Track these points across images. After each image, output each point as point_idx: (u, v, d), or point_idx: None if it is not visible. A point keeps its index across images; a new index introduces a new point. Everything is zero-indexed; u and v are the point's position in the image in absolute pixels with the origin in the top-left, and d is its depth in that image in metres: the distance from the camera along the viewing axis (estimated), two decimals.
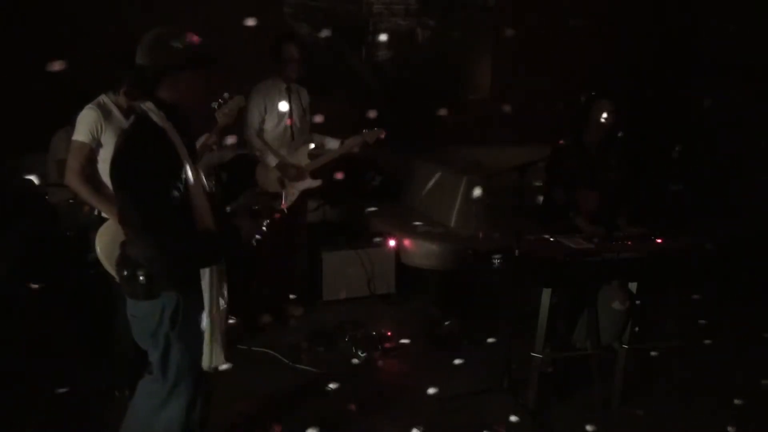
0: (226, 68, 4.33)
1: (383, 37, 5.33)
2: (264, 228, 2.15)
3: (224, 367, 2.14)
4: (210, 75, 2.00)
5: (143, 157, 1.88)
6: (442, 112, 5.23)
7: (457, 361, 3.61)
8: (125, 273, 2.03)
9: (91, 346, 3.36)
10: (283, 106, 3.84)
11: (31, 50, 4.21)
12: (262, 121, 3.86)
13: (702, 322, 4.00)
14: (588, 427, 3.00)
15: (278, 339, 3.87)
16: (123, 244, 2.10)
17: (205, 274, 2.04)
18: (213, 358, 2.11)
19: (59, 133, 4.00)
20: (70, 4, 4.33)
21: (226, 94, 3.67)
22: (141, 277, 1.99)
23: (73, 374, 3.22)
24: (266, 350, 3.71)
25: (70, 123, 4.04)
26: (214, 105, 3.63)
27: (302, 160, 3.96)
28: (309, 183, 3.98)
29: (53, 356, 3.39)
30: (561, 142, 3.65)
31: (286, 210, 3.87)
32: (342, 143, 4.00)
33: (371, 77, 5.42)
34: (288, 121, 3.89)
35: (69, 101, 3.96)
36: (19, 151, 4.19)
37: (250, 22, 3.53)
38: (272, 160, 3.81)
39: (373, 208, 4.76)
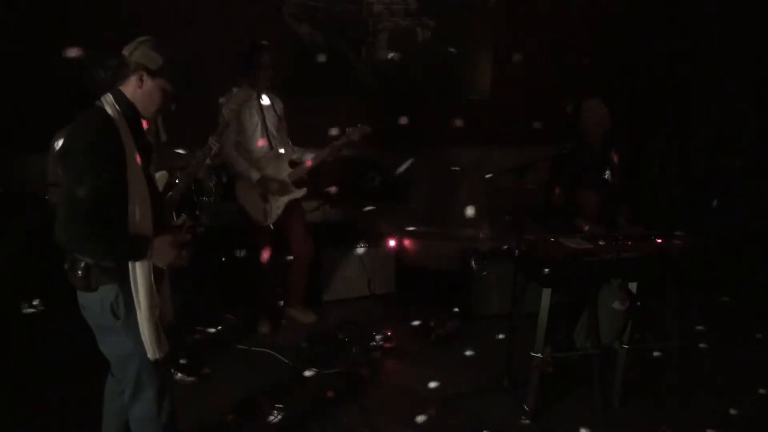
0: (227, 68, 4.35)
1: (383, 37, 5.33)
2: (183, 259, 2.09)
3: (158, 358, 2.09)
4: (172, 94, 2.09)
5: (83, 144, 1.93)
6: (442, 112, 5.23)
7: (457, 361, 3.62)
8: (66, 265, 2.06)
9: (91, 345, 3.35)
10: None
11: (31, 50, 4.22)
12: (237, 133, 3.71)
13: (700, 325, 4.02)
14: (588, 428, 3.00)
15: (278, 339, 3.88)
16: None
17: (135, 266, 2.03)
18: (148, 350, 2.07)
19: (59, 134, 4.00)
20: (71, 4, 4.33)
21: (234, 89, 3.66)
22: (78, 271, 2.01)
23: (73, 374, 3.23)
24: (266, 350, 3.71)
25: (71, 123, 4.05)
26: (222, 100, 3.62)
27: (282, 171, 3.84)
28: (294, 194, 3.86)
29: (53, 356, 3.39)
30: (564, 144, 3.65)
31: (272, 226, 3.84)
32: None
33: (371, 77, 5.42)
34: (261, 141, 3.75)
35: (69, 101, 3.96)
36: (19, 151, 4.18)
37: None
38: (254, 176, 3.72)
39: (371, 207, 4.74)
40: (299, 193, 3.89)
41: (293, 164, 3.89)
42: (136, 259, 2.02)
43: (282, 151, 3.87)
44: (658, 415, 3.14)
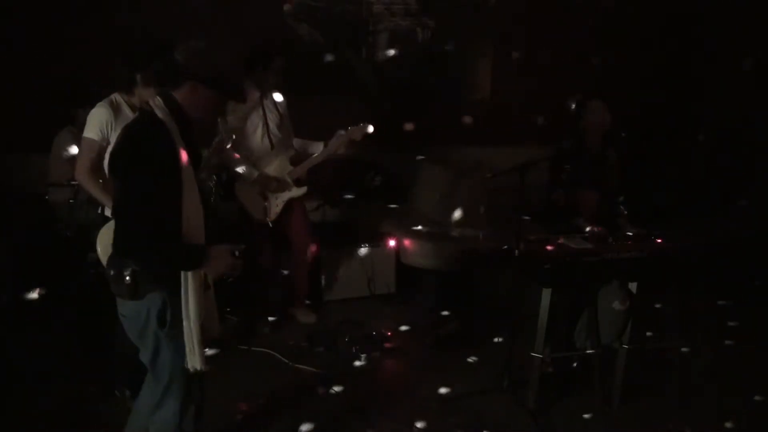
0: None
1: (383, 37, 5.33)
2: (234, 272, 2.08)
3: (201, 369, 2.09)
4: (223, 103, 2.10)
5: (141, 149, 1.91)
6: (443, 112, 5.23)
7: (457, 361, 3.62)
8: (112, 272, 2.03)
9: (91, 346, 3.36)
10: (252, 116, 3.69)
11: (31, 51, 4.22)
12: (238, 134, 3.66)
13: (700, 325, 4.02)
14: (588, 428, 3.00)
15: (278, 339, 3.88)
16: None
17: (187, 275, 2.01)
18: (190, 360, 2.07)
19: (62, 134, 4.00)
20: (71, 4, 4.33)
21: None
22: (127, 277, 1.98)
23: (73, 374, 3.22)
24: (266, 350, 3.71)
25: (72, 123, 4.06)
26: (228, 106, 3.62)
27: (283, 169, 3.82)
28: (293, 192, 3.85)
29: (53, 356, 3.39)
30: (563, 145, 3.65)
31: (271, 224, 3.83)
32: (326, 145, 3.84)
33: (371, 77, 5.42)
34: (259, 134, 3.73)
35: (69, 101, 3.97)
36: (19, 151, 4.18)
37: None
38: (252, 174, 3.71)
39: (374, 210, 4.74)
40: (299, 191, 3.88)
41: (295, 162, 3.88)
42: (192, 268, 1.99)
43: (284, 149, 3.86)
44: (658, 415, 3.14)
